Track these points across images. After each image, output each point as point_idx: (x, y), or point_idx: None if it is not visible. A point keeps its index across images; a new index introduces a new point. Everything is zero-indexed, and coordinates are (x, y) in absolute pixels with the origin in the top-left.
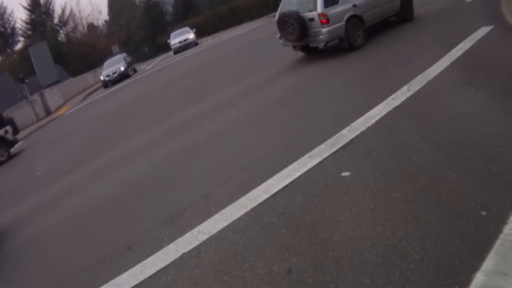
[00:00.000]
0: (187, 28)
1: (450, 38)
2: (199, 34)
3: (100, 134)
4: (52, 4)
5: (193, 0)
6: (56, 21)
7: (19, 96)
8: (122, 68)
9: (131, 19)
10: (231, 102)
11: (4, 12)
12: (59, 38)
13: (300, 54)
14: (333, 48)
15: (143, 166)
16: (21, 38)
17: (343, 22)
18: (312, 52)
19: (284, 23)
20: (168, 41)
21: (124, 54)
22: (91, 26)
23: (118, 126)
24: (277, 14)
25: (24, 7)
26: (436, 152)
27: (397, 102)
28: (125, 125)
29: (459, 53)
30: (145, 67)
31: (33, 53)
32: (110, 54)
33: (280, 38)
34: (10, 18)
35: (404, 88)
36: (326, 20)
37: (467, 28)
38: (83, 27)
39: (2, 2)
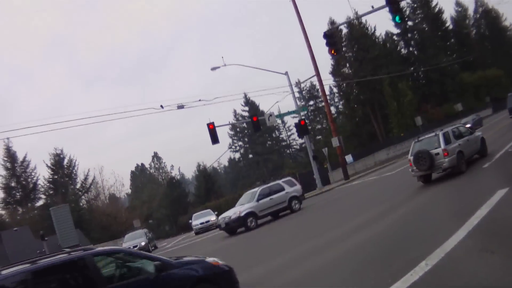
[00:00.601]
0: (209, 210)
1: (467, 206)
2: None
3: None
4: (76, 168)
5: (215, 183)
6: (78, 186)
7: (38, 251)
8: (143, 243)
9: (153, 195)
10: None
11: (27, 166)
12: (81, 204)
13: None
14: None
15: None
16: (42, 196)
17: (455, 155)
18: (429, 182)
19: (419, 158)
20: (190, 221)
21: (145, 230)
22: (113, 197)
23: None
24: (412, 152)
25: (47, 165)
26: None
27: (415, 278)
28: None
29: (476, 221)
30: (166, 245)
31: (55, 214)
32: (131, 228)
33: (412, 170)
34: (33, 174)
35: (422, 263)
36: (447, 153)
37: (483, 193)
38: (105, 197)
39: (26, 155)
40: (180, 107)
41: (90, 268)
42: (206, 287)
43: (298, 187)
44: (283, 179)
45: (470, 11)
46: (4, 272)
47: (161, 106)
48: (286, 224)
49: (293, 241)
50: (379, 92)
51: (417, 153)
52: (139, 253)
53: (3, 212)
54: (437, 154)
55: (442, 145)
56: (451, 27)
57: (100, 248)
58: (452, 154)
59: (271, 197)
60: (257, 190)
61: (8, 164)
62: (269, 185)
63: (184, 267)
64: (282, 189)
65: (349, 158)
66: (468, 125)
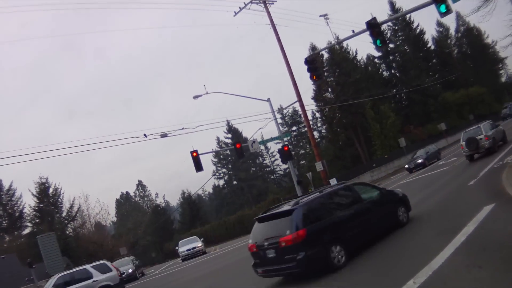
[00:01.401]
0: (195, 237)
1: (454, 224)
2: (207, 243)
3: None
4: (61, 197)
5: (200, 210)
6: (64, 214)
7: (26, 279)
8: (130, 270)
9: (138, 223)
10: None
11: (13, 194)
12: (67, 232)
13: None
14: None
15: None
16: (29, 224)
17: (491, 139)
18: (473, 160)
19: (469, 142)
20: (176, 248)
21: (132, 257)
22: (99, 225)
23: None
24: (463, 138)
25: (32, 194)
26: None
27: None
28: None
29: (463, 238)
30: (153, 271)
31: (41, 242)
32: (117, 255)
33: (463, 151)
34: (19, 202)
35: (410, 282)
36: (487, 138)
37: (470, 210)
38: (91, 225)
39: (11, 183)
40: (164, 135)
41: (353, 190)
42: (401, 204)
43: (113, 273)
44: (94, 263)
45: (452, 31)
46: (304, 199)
47: (145, 135)
48: None
49: None
50: (362, 115)
51: (467, 139)
52: (370, 184)
53: None
54: (481, 139)
55: (484, 133)
56: (432, 47)
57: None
58: (490, 139)
59: None
60: (51, 280)
61: None
62: (71, 271)
63: (392, 192)
64: (89, 276)
65: (333, 181)
66: (420, 161)
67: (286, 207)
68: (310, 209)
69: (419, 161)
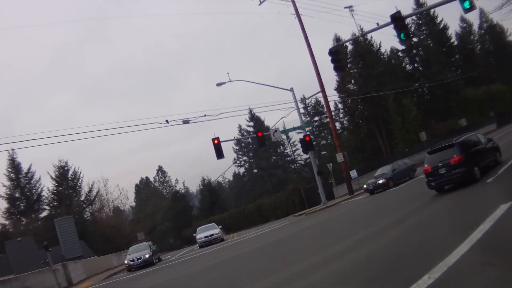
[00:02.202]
0: (213, 224)
1: (470, 221)
2: (225, 230)
3: None
4: (80, 181)
5: (219, 197)
6: (82, 198)
7: (42, 262)
8: (147, 256)
9: (157, 208)
10: None
11: (32, 177)
12: (85, 216)
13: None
14: None
15: None
16: (47, 207)
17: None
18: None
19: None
20: (194, 234)
21: (150, 242)
22: (117, 210)
23: None
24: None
25: (51, 177)
26: None
27: None
28: None
29: (479, 235)
30: (170, 257)
31: (59, 225)
32: (135, 240)
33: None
34: (37, 185)
35: (425, 277)
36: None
37: (487, 207)
38: (109, 209)
39: (30, 166)
40: (186, 122)
41: (479, 137)
42: (498, 150)
43: None
44: None
45: (475, 27)
46: (458, 139)
47: (167, 121)
48: None
49: (301, 253)
50: (384, 108)
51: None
52: (484, 136)
53: (6, 222)
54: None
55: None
56: (455, 43)
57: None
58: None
59: None
60: None
61: (13, 175)
62: None
63: (494, 142)
64: None
65: (353, 173)
66: (381, 181)
67: (448, 144)
68: (464, 143)
69: (380, 181)
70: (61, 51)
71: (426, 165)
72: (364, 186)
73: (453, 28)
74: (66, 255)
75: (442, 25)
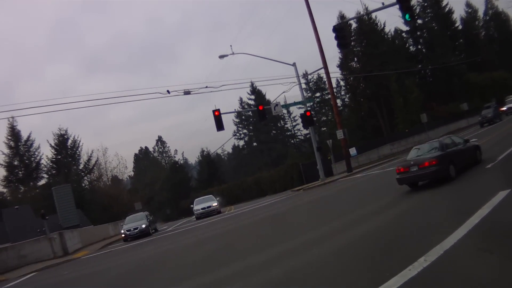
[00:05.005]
0: (211, 195)
1: (469, 206)
2: (223, 202)
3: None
4: (79, 149)
5: (218, 169)
6: (81, 166)
7: (38, 230)
8: (143, 226)
9: (155, 178)
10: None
11: (31, 145)
12: (83, 184)
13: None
14: None
15: None
16: (45, 175)
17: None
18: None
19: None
20: (191, 206)
21: (146, 213)
22: (116, 179)
23: (138, 278)
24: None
25: (51, 145)
26: None
27: (414, 273)
28: (145, 278)
29: (476, 220)
30: (167, 228)
31: (56, 194)
32: (132, 210)
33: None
34: (36, 153)
35: (421, 259)
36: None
37: (485, 193)
38: (108, 178)
39: (30, 134)
40: (187, 93)
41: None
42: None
43: None
44: None
45: (480, 13)
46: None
47: (168, 91)
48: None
49: (297, 229)
50: (386, 87)
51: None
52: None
53: (4, 190)
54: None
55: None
56: (460, 27)
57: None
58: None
59: None
60: None
61: (12, 143)
62: None
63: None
64: None
65: (353, 151)
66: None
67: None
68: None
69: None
70: (60, 23)
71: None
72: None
73: (458, 13)
74: (63, 224)
75: (447, 9)
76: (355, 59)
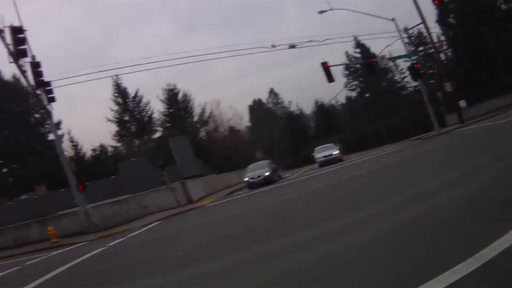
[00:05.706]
0: (331, 144)
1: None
2: (342, 151)
3: (253, 227)
4: (191, 103)
5: (336, 118)
6: (195, 119)
7: (159, 181)
8: (267, 174)
9: (273, 128)
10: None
11: (140, 101)
12: (200, 136)
13: None
14: None
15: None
16: (159, 128)
17: None
18: None
19: None
20: (312, 154)
21: (269, 161)
22: (233, 130)
23: (267, 223)
24: None
25: (161, 100)
26: None
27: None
28: (275, 223)
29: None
30: (290, 175)
31: (174, 145)
32: (253, 159)
33: None
34: (147, 108)
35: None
36: None
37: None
38: (224, 129)
39: (137, 91)
40: (292, 46)
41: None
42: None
43: None
44: None
45: None
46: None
47: (273, 45)
48: None
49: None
50: (487, 44)
51: None
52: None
53: (118, 144)
54: None
55: None
56: None
57: None
58: None
59: None
60: None
61: (120, 100)
62: None
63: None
64: None
65: (462, 103)
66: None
67: None
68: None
69: None
70: None
71: None
72: None
73: None
74: (183, 173)
75: None
76: (451, 15)
